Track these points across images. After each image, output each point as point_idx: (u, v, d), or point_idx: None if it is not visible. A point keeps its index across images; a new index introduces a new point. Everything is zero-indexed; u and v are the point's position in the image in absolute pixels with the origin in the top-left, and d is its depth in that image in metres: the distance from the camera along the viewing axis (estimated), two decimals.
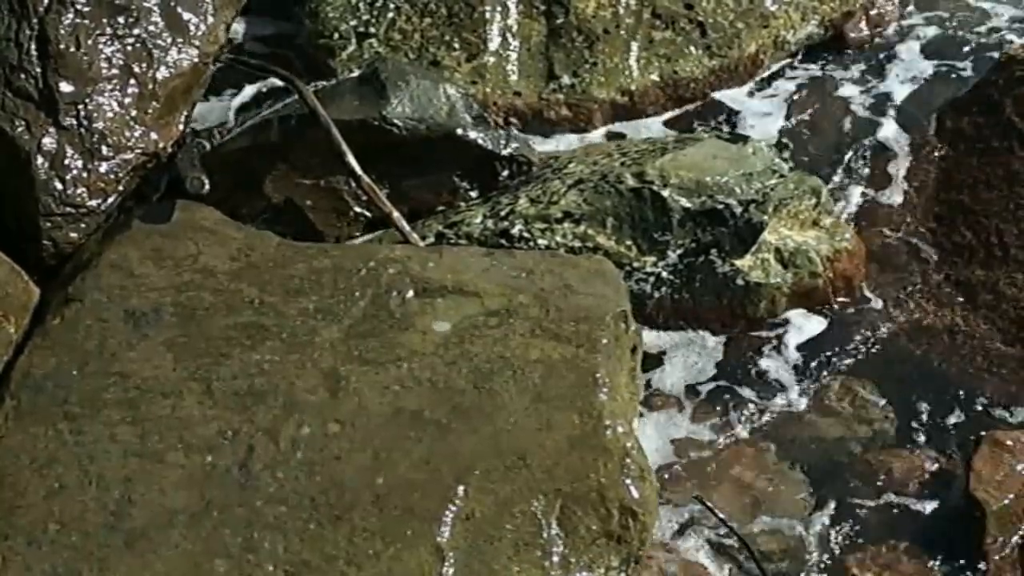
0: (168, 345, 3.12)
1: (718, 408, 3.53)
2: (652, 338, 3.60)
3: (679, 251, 3.60)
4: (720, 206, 3.61)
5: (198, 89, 3.84)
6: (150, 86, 3.65)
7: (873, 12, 4.60)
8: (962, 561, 3.18)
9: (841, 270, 3.74)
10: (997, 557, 3.16)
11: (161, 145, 3.65)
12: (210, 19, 3.81)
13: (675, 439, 3.44)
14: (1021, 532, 3.19)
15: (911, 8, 4.61)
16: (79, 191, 3.51)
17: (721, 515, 3.24)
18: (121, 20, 3.67)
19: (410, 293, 3.23)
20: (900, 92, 4.34)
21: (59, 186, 3.49)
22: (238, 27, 4.30)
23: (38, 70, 3.55)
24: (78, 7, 3.62)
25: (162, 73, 3.69)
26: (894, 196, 4.01)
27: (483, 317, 3.17)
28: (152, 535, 2.79)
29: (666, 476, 3.33)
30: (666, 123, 4.28)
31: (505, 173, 3.80)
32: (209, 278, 3.29)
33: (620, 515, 2.90)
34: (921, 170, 4.09)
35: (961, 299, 3.74)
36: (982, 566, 3.15)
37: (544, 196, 3.64)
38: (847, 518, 3.28)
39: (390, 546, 2.78)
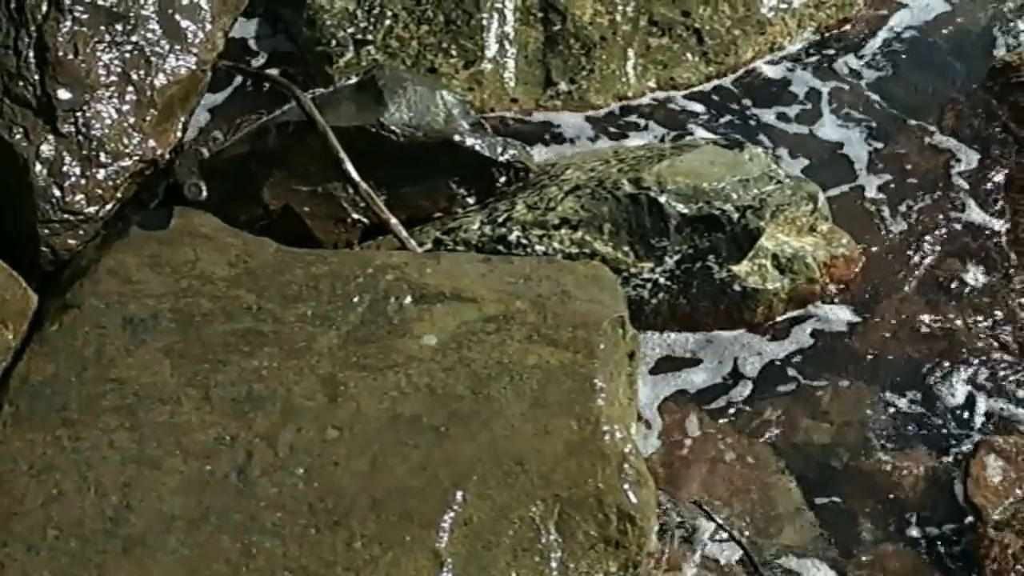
0: (166, 351, 3.13)
1: (716, 413, 3.53)
2: (649, 344, 3.61)
3: (676, 257, 3.61)
4: (717, 212, 3.62)
5: (196, 96, 3.85)
6: (148, 93, 3.66)
7: (869, 19, 4.61)
8: (960, 566, 3.18)
9: (838, 276, 3.75)
10: (995, 562, 3.16)
11: (159, 152, 3.66)
12: (208, 26, 3.82)
13: (673, 444, 3.45)
14: (1018, 537, 3.20)
15: (907, 16, 4.61)
16: (77, 198, 3.51)
17: (719, 519, 3.24)
18: (119, 27, 3.67)
19: (408, 299, 3.23)
20: (896, 98, 4.34)
21: (57, 193, 3.49)
22: (236, 34, 4.30)
23: (36, 77, 3.55)
24: (76, 14, 3.63)
25: (160, 80, 3.69)
26: (891, 202, 4.01)
27: (480, 323, 3.17)
28: (150, 541, 2.79)
29: (664, 481, 3.33)
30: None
31: (502, 179, 3.80)
32: (207, 284, 3.29)
33: (618, 520, 2.91)
34: (918, 176, 4.09)
35: (958, 304, 3.74)
36: (980, 571, 3.15)
37: (541, 202, 3.64)
38: (845, 523, 3.29)
39: (388, 551, 2.78)
